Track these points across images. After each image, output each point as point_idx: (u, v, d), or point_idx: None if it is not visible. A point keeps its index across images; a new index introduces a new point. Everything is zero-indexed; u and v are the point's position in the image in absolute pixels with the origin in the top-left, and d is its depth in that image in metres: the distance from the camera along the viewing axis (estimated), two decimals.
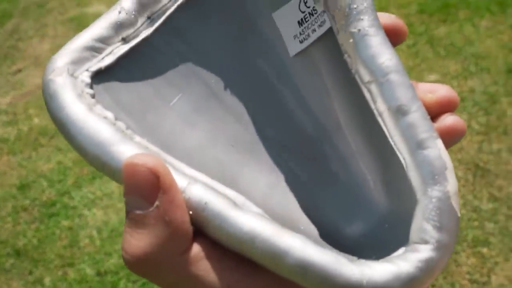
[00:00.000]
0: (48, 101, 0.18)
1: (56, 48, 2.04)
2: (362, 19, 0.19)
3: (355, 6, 0.19)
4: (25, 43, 2.12)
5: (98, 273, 1.18)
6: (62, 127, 0.17)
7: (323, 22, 0.21)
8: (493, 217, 1.19)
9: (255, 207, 0.18)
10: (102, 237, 1.26)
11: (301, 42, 0.22)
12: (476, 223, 1.17)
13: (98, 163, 0.17)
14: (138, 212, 0.15)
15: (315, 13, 0.21)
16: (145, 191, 0.15)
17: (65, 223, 1.31)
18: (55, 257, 1.22)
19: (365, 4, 0.19)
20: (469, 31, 1.80)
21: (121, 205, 1.34)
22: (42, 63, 1.97)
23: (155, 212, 0.15)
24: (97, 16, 0.21)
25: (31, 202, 1.38)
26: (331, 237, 0.16)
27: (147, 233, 0.15)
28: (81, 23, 2.15)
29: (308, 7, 0.21)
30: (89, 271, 1.19)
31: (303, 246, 0.15)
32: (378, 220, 0.20)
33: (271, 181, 0.21)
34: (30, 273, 1.20)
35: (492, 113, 1.47)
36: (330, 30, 0.21)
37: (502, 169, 1.30)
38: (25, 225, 1.32)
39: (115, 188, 1.39)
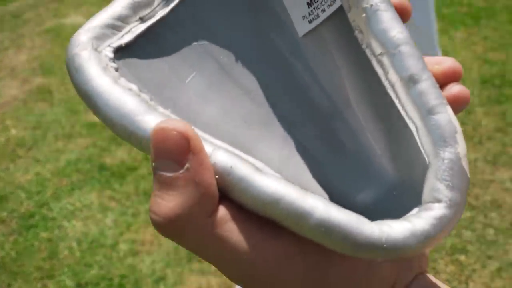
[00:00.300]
0: (73, 75, 0.18)
1: (33, 59, 2.02)
2: None
3: None
4: (1, 54, 2.09)
5: (78, 285, 1.17)
6: (88, 99, 0.18)
7: (333, 1, 0.22)
8: (470, 225, 1.24)
9: (274, 173, 0.19)
10: (82, 249, 1.25)
11: (310, 22, 0.23)
12: (454, 231, 1.21)
13: (125, 133, 0.17)
14: (168, 174, 0.16)
15: None
16: (176, 154, 0.16)
17: (44, 234, 1.30)
18: (34, 270, 1.21)
19: None
20: (445, 42, 1.88)
21: (101, 216, 1.33)
22: (18, 74, 1.95)
23: (186, 174, 0.16)
24: (74, 27, 0.22)
25: (8, 214, 1.36)
26: (342, 206, 0.16)
27: (177, 194, 0.16)
28: (58, 34, 2.14)
29: None
30: (69, 282, 1.18)
31: (326, 207, 0.16)
32: (387, 188, 0.21)
33: (283, 155, 0.22)
34: (9, 286, 1.18)
35: (468, 123, 1.52)
36: (339, 9, 0.21)
37: (478, 179, 1.35)
38: (3, 237, 1.30)
39: (94, 199, 1.38)
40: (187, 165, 0.16)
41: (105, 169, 1.48)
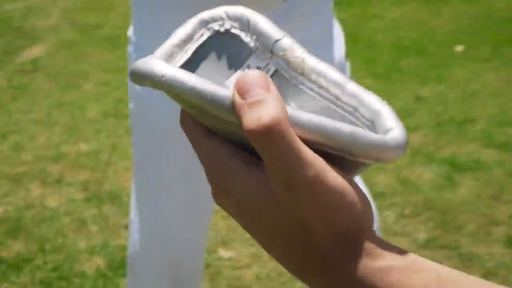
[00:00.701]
0: (155, 75, 0.24)
1: None
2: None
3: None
4: None
5: None
6: (172, 87, 0.23)
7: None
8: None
9: None
10: None
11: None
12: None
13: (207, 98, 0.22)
14: (264, 95, 0.20)
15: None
16: (265, 84, 0.21)
17: None
18: None
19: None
20: None
21: None
22: None
23: (275, 94, 0.21)
24: None
25: None
26: None
27: (274, 105, 0.20)
28: None
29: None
30: None
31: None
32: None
33: None
34: None
35: None
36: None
37: None
38: None
39: None
40: (271, 90, 0.21)
41: (1, 262, 1.51)
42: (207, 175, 0.25)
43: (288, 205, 0.21)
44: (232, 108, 0.22)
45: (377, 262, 0.22)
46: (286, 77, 0.26)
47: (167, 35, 0.28)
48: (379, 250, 0.22)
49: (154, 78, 0.24)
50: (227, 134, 0.25)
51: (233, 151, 0.24)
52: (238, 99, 0.21)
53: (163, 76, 0.24)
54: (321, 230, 0.21)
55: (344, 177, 0.22)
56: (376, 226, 0.94)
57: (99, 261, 1.53)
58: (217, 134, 0.25)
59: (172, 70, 0.24)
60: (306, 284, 0.25)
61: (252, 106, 0.20)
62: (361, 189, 0.23)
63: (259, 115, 0.20)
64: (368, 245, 0.22)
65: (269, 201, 0.22)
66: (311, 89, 0.26)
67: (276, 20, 0.31)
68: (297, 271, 0.24)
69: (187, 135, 0.26)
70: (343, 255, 0.22)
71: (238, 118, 0.21)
